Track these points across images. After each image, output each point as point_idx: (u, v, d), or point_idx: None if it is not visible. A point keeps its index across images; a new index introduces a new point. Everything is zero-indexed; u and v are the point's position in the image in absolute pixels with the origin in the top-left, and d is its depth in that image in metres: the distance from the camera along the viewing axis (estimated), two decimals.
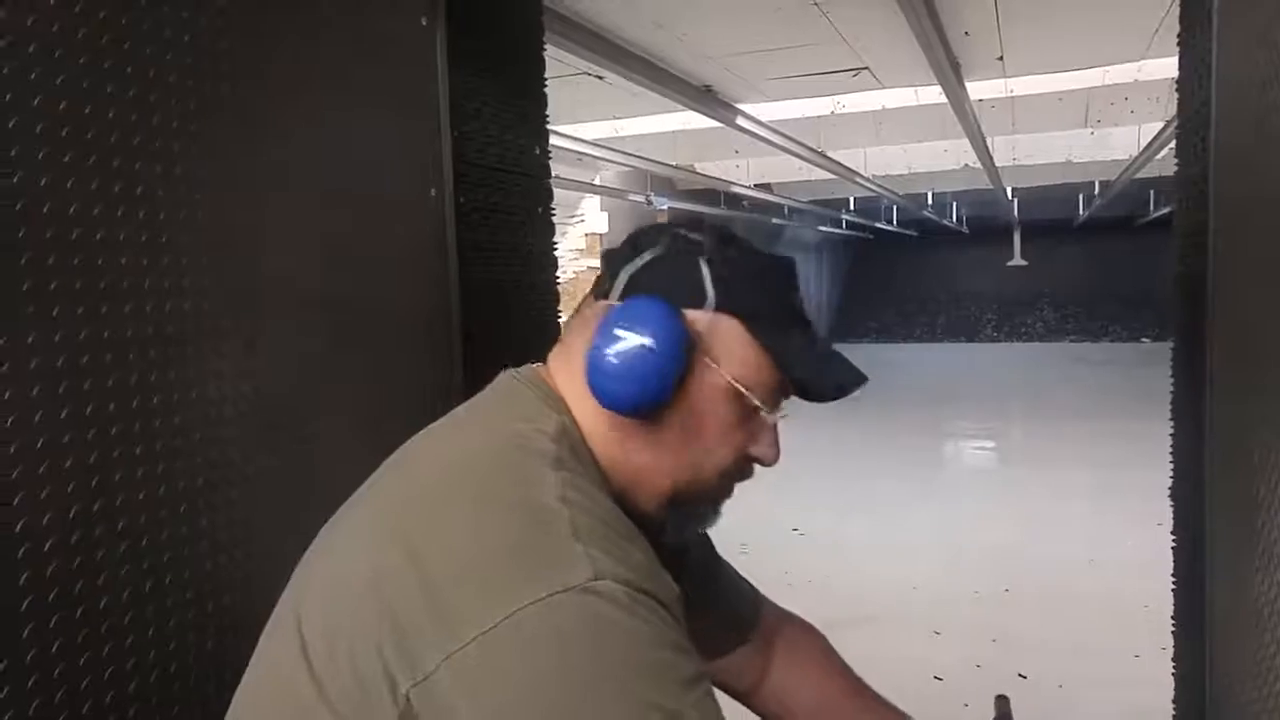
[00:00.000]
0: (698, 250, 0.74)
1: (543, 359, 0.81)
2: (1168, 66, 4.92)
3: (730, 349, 0.73)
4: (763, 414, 0.75)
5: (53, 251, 0.80)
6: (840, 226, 15.12)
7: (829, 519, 5.72)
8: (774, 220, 12.64)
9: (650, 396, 0.69)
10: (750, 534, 5.34)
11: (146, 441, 0.89)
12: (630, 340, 0.68)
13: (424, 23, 1.40)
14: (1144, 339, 16.86)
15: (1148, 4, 3.64)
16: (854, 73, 4.79)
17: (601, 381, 0.69)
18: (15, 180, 0.77)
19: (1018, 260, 15.94)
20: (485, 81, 1.54)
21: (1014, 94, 5.48)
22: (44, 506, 0.79)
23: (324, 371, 1.15)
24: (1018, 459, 7.95)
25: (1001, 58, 4.58)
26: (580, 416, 0.73)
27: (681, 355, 0.70)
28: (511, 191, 1.62)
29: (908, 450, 8.04)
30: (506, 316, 1.58)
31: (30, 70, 0.78)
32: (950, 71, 3.93)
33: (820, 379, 0.75)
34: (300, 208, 1.13)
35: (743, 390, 0.73)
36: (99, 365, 0.85)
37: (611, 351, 0.69)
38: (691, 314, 0.72)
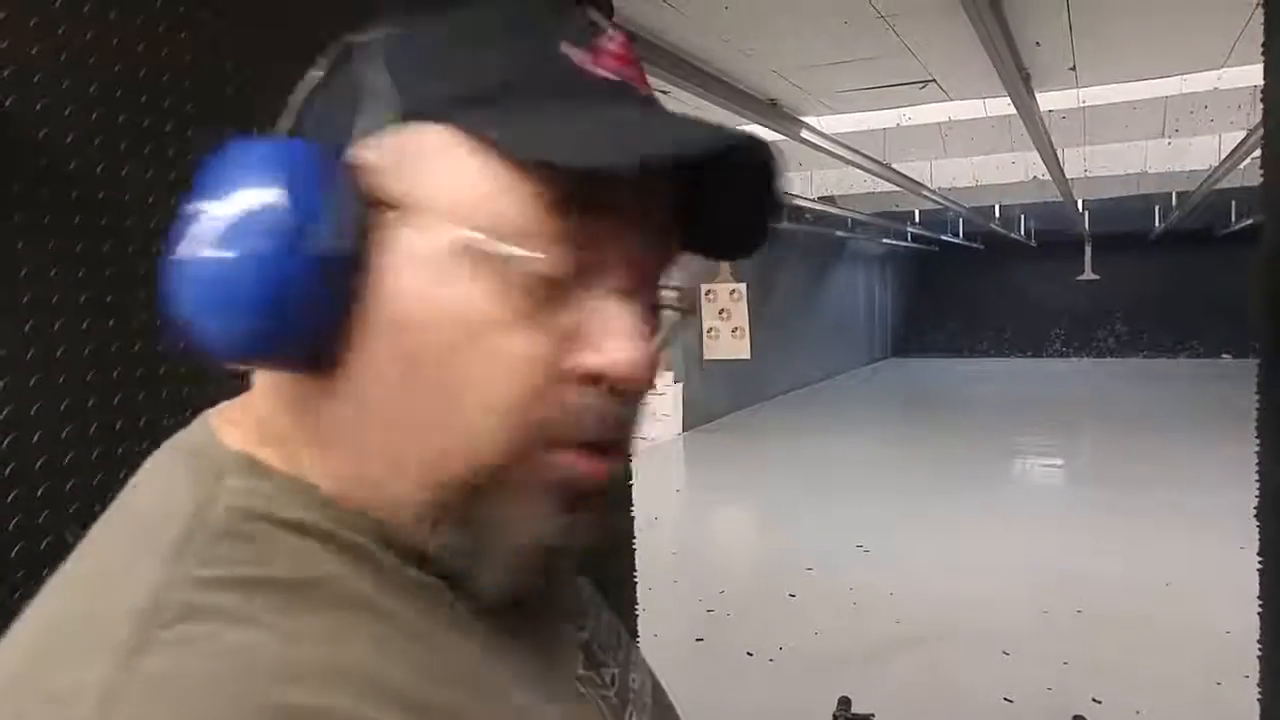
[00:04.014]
0: (373, 48, 0.39)
1: None
2: (1250, 74, 4.75)
3: (430, 170, 0.37)
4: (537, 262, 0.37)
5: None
6: (905, 239, 14.91)
7: (894, 535, 5.63)
8: (837, 233, 12.54)
9: (272, 315, 0.36)
10: (815, 551, 5.29)
11: None
12: (208, 225, 0.36)
13: None
14: (1224, 355, 16.19)
15: (1228, 11, 3.54)
16: (921, 85, 4.75)
17: (185, 315, 0.37)
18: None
19: (1088, 274, 15.49)
20: None
21: (1086, 104, 5.36)
22: None
23: None
24: (1088, 477, 7.71)
25: (1074, 68, 4.50)
26: (275, 422, 0.41)
27: (318, 217, 0.36)
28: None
29: (974, 466, 7.87)
30: None
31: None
32: (1020, 82, 3.87)
33: (595, 145, 0.36)
34: None
35: (475, 235, 0.37)
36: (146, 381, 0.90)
37: (188, 259, 0.36)
38: (360, 150, 0.38)
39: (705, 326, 9.50)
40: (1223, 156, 6.13)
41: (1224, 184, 7.17)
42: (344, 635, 0.36)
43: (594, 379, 0.38)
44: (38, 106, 0.79)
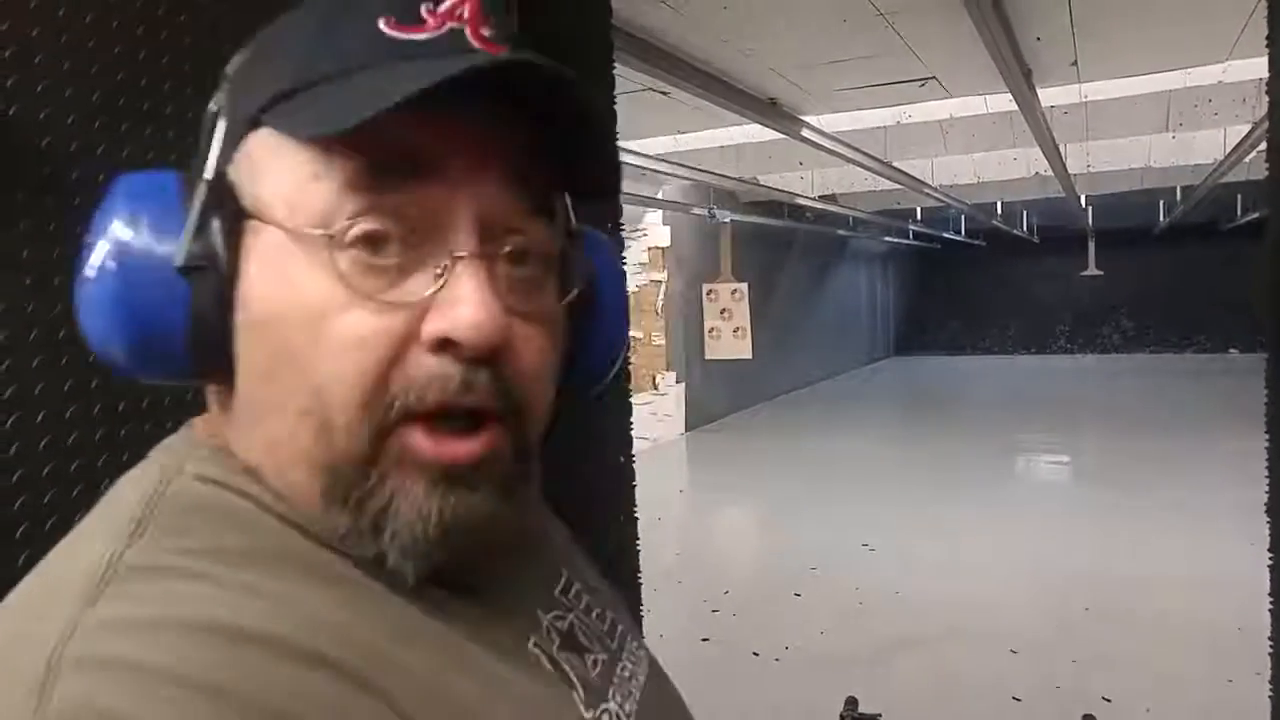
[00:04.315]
0: (230, 72, 0.45)
1: None
2: (1255, 67, 4.74)
3: (260, 175, 0.40)
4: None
5: None
6: (907, 237, 14.89)
7: (899, 534, 5.62)
8: (839, 231, 12.52)
9: (141, 328, 0.39)
10: (819, 551, 5.28)
11: None
12: (90, 250, 0.40)
13: None
14: (1232, 350, 16.15)
15: (1232, 4, 3.52)
16: (921, 82, 4.74)
17: (84, 333, 0.41)
18: None
19: (1092, 269, 15.46)
20: None
21: (1088, 99, 5.35)
22: None
23: None
24: (1094, 474, 7.69)
25: (1075, 63, 4.49)
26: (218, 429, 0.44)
27: (190, 241, 0.39)
28: (584, 208, 1.66)
29: (979, 464, 7.85)
30: None
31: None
32: (1022, 79, 3.86)
33: (339, 100, 0.38)
34: None
35: (294, 227, 0.39)
36: None
37: (78, 281, 0.41)
38: (228, 168, 0.41)
39: (707, 326, 9.50)
40: (1227, 150, 6.11)
41: (1229, 178, 7.15)
42: (299, 594, 0.38)
43: (442, 344, 0.38)
44: (40, 115, 0.79)
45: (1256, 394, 1.25)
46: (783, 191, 8.50)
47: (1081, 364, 16.40)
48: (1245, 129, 5.38)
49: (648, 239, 9.23)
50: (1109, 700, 3.28)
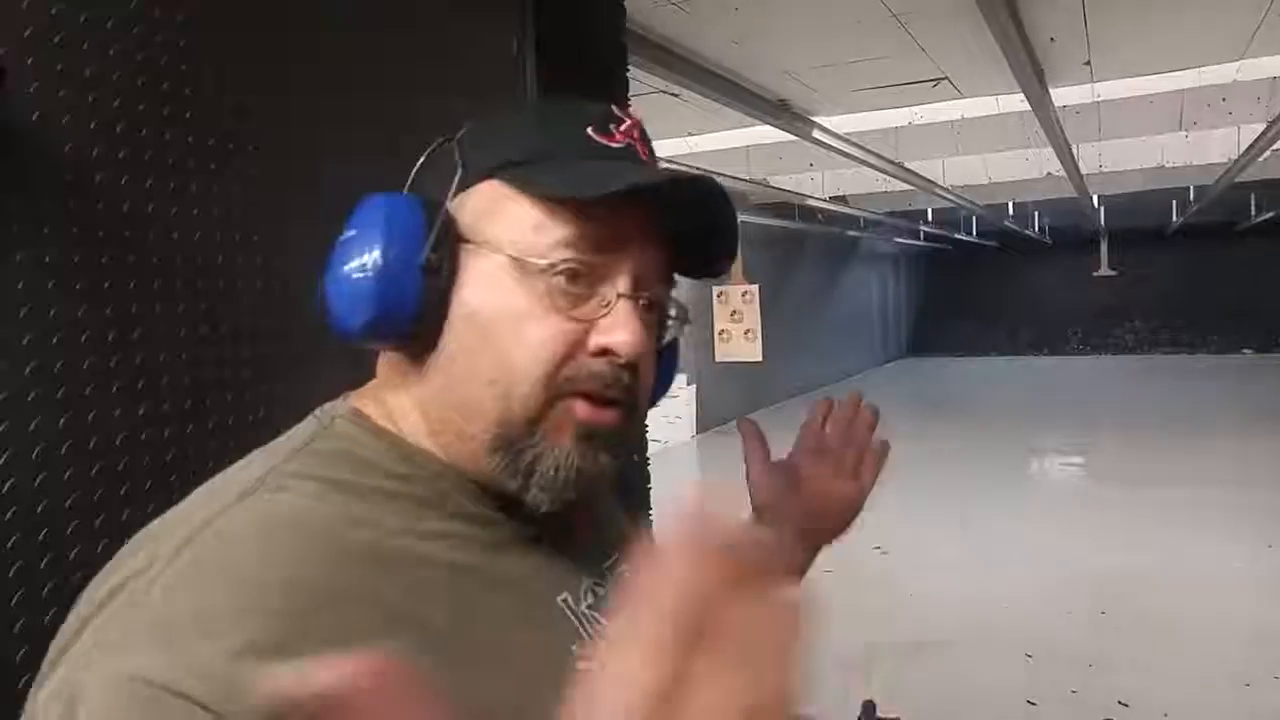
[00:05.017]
0: (460, 137, 0.60)
1: None
2: (1269, 65, 4.70)
3: (490, 214, 0.56)
4: (557, 277, 0.54)
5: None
6: (918, 238, 14.84)
7: (912, 537, 5.59)
8: (850, 233, 12.49)
9: (388, 307, 0.54)
10: (831, 554, 5.26)
11: None
12: (352, 249, 0.55)
13: (514, 52, 1.46)
14: (1246, 350, 16.03)
15: (1246, 2, 3.50)
16: (933, 83, 4.73)
17: (332, 309, 0.56)
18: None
19: (1105, 270, 15.37)
20: None
21: (1101, 99, 5.32)
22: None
23: None
24: (1109, 476, 7.63)
25: (1089, 62, 4.46)
26: (385, 393, 0.59)
27: (419, 247, 0.55)
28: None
29: (992, 466, 7.81)
30: None
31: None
32: (1034, 79, 3.84)
33: (569, 177, 0.55)
34: None
35: (515, 256, 0.54)
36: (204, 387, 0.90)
37: (336, 270, 0.56)
38: (452, 204, 0.58)
39: (717, 328, 9.48)
40: (1242, 149, 6.06)
41: (1244, 177, 7.09)
42: (390, 522, 0.53)
43: (602, 352, 0.55)
44: (62, 122, 0.80)
45: (1273, 395, 1.24)
46: (793, 193, 8.49)
47: (1095, 364, 16.30)
48: (1260, 128, 5.34)
49: None
50: (1126, 705, 3.25)
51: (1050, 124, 4.77)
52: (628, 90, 1.78)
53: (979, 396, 12.98)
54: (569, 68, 1.57)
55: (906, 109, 5.55)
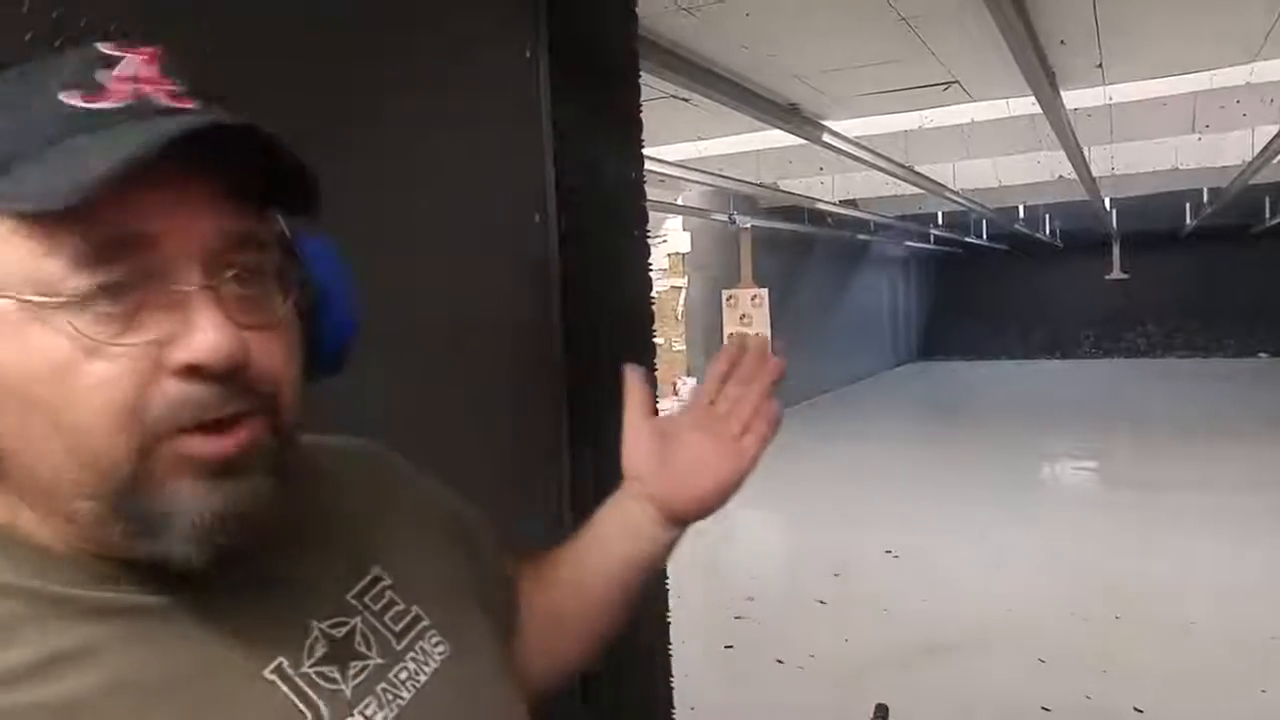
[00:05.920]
0: None
1: None
2: None
3: None
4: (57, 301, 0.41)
5: None
6: (928, 242, 14.80)
7: (923, 541, 5.57)
8: (860, 236, 12.47)
9: None
10: (843, 557, 5.25)
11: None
12: None
13: (528, 55, 1.46)
14: (1261, 354, 15.91)
15: (1259, 3, 3.48)
16: (944, 86, 4.72)
17: None
18: None
19: (1117, 273, 15.29)
20: (586, 110, 1.58)
21: (1113, 102, 5.30)
22: None
23: (424, 399, 1.19)
24: (1122, 480, 7.58)
25: (1100, 65, 4.45)
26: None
27: None
28: (610, 215, 1.66)
29: (1004, 470, 7.77)
30: (608, 340, 1.61)
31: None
32: (1045, 82, 3.83)
33: (41, 177, 0.40)
34: (412, 235, 1.18)
35: (25, 299, 0.41)
36: None
37: None
38: None
39: (726, 332, 9.48)
40: (1256, 151, 6.03)
41: (1257, 179, 7.05)
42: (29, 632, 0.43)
43: (190, 370, 0.43)
44: None
45: None
46: (803, 196, 8.49)
47: (1108, 368, 16.20)
48: (1274, 129, 5.31)
49: (668, 245, 9.23)
50: (1140, 710, 3.23)
51: (1062, 127, 4.76)
52: (640, 94, 1.78)
53: (990, 400, 12.92)
54: (582, 70, 1.58)
55: (917, 112, 5.55)
